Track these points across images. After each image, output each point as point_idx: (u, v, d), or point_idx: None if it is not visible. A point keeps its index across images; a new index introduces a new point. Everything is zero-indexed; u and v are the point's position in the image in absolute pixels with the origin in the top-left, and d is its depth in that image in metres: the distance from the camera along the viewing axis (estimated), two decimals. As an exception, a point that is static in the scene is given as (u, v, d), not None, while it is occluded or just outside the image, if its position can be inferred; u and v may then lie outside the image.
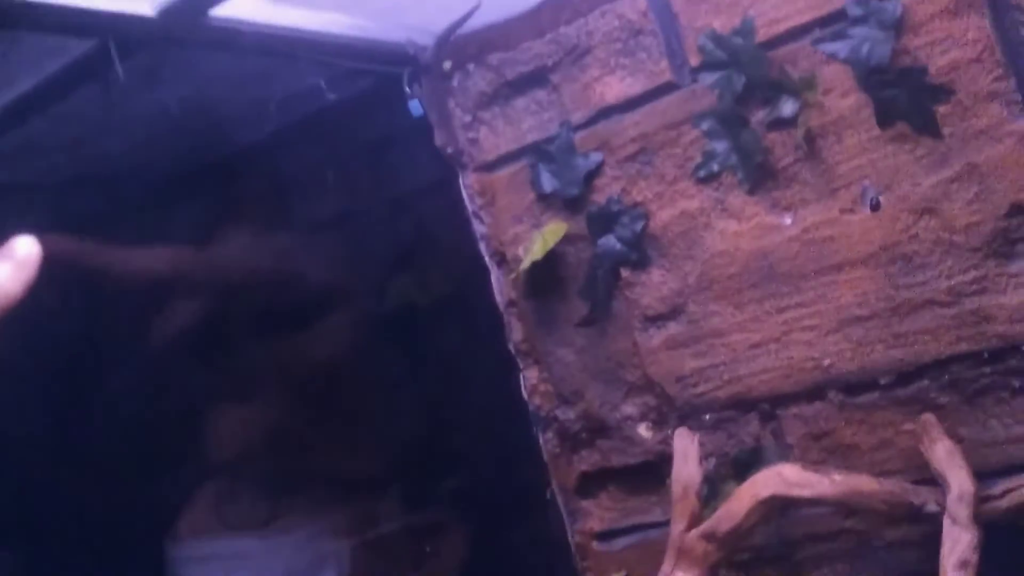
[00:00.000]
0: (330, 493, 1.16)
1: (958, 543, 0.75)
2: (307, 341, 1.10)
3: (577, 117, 0.97)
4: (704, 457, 0.87)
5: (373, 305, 1.11)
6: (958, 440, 0.79)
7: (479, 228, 1.05)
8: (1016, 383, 0.78)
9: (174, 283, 1.08)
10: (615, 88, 0.94)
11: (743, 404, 0.90)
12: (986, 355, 0.79)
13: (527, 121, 1.01)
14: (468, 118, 1.04)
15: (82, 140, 1.05)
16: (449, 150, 1.05)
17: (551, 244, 0.96)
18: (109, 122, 1.01)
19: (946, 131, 0.79)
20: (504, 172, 1.03)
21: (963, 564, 0.75)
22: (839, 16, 0.82)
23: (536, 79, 0.99)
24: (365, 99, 1.08)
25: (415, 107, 1.06)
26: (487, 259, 1.05)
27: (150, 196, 1.14)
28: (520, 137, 1.01)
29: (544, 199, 0.99)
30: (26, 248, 0.46)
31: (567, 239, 0.97)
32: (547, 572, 1.02)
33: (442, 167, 1.06)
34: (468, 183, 1.05)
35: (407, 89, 1.04)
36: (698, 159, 0.90)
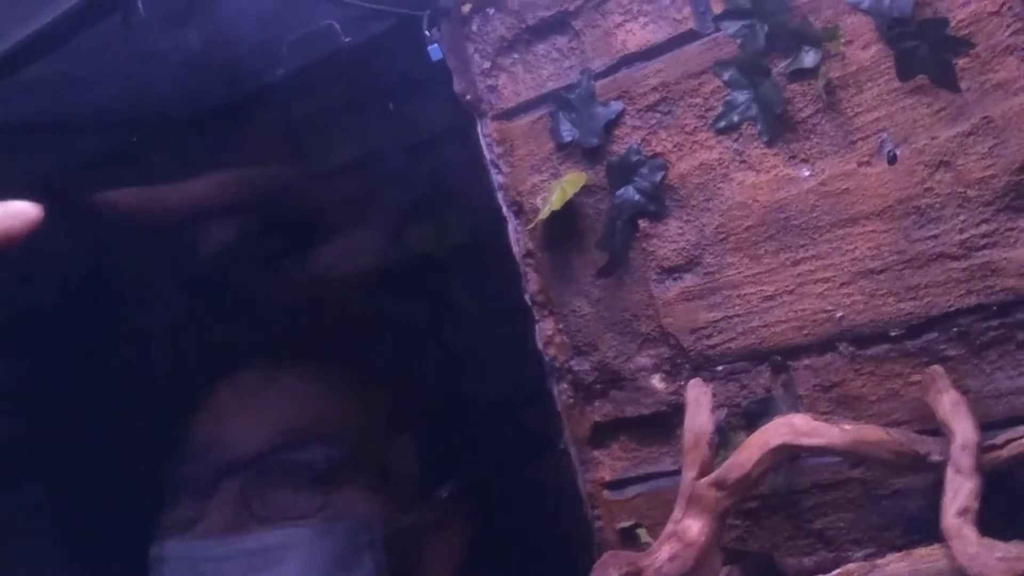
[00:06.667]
0: (364, 477, 1.24)
1: (960, 491, 0.87)
2: (329, 256, 1.18)
3: (598, 65, 1.08)
4: (716, 407, 0.99)
5: (390, 252, 1.23)
6: (964, 391, 0.90)
7: (497, 177, 1.17)
8: (1022, 336, 0.89)
9: (221, 207, 1.18)
10: (637, 36, 1.05)
11: (756, 355, 1.02)
12: (994, 308, 0.90)
13: (547, 68, 1.12)
14: (487, 64, 1.15)
15: (94, 78, 1.18)
16: (468, 97, 1.16)
17: (569, 194, 1.08)
18: (121, 61, 1.13)
19: (964, 84, 0.90)
20: (523, 120, 1.14)
21: (964, 511, 0.87)
22: (863, -34, 0.93)
23: (557, 25, 1.10)
24: (382, 41, 1.20)
25: (434, 52, 1.17)
26: (505, 209, 1.17)
27: (163, 135, 1.26)
28: (540, 84, 1.12)
29: (563, 148, 1.11)
30: (25, 209, 0.52)
31: (585, 189, 1.09)
32: (558, 520, 1.15)
33: (460, 114, 1.18)
34: (487, 131, 1.17)
35: (426, 33, 1.16)
36: (719, 109, 1.01)
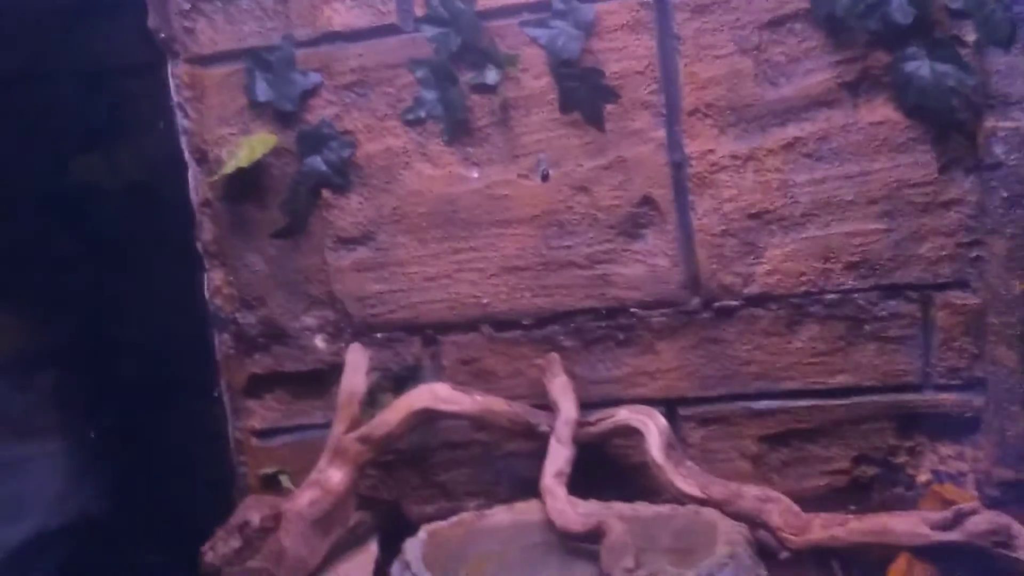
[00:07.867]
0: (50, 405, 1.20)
1: (558, 457, 1.07)
2: None
3: (301, 34, 1.13)
4: (371, 371, 1.11)
5: (53, 179, 1.17)
6: (572, 376, 1.11)
7: (182, 121, 1.17)
8: (621, 336, 1.12)
9: None
10: (343, 16, 1.12)
11: (411, 328, 1.15)
12: (604, 312, 1.11)
13: (249, 24, 1.14)
14: (186, 6, 1.15)
15: None
16: (162, 35, 1.15)
17: (258, 154, 1.12)
18: None
19: (609, 126, 1.09)
20: (218, 70, 1.15)
21: (559, 474, 1.07)
22: (546, 6, 1.08)
23: (265, -16, 1.13)
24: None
25: (130, -20, 1.13)
26: (187, 154, 1.17)
27: None
28: (240, 39, 1.14)
29: (257, 107, 1.14)
30: None
31: (275, 151, 1.14)
32: (205, 464, 1.19)
33: (150, 50, 1.15)
34: (177, 72, 1.16)
35: (124, -39, 1.12)
36: (409, 103, 1.12)
